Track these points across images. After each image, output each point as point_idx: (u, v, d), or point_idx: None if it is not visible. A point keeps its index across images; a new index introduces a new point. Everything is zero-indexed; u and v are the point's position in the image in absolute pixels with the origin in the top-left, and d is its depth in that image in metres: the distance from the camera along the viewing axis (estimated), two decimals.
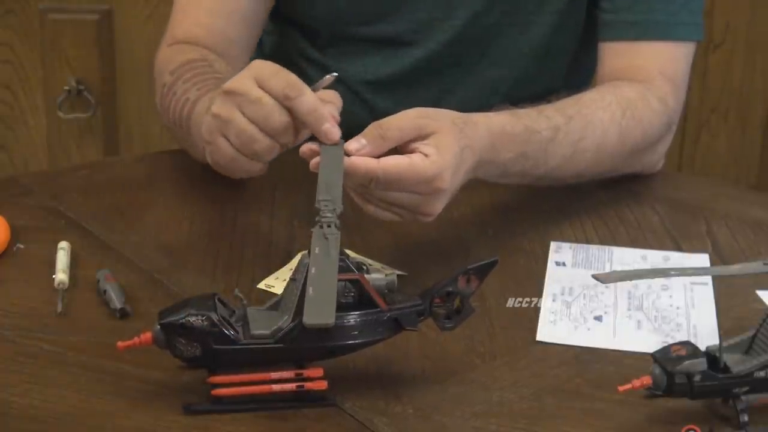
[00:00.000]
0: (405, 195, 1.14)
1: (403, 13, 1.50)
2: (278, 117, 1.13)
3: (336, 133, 1.13)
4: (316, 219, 1.05)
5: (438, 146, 1.14)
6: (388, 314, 1.02)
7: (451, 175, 1.15)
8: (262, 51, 1.64)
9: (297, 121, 1.14)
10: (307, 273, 0.99)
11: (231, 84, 1.15)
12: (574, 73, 1.57)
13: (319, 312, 0.94)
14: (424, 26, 1.50)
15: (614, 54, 1.46)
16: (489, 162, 1.23)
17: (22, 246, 1.27)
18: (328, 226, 1.04)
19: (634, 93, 1.40)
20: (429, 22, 1.50)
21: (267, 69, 1.15)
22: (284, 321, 1.00)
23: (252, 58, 1.55)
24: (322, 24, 1.55)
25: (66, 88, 2.61)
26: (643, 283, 1.22)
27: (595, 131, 1.34)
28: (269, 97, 1.13)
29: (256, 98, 1.13)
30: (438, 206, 1.17)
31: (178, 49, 1.43)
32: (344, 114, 1.56)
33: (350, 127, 1.52)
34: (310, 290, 0.95)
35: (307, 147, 1.14)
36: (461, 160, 1.17)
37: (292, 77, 1.14)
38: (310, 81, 1.56)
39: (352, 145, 1.13)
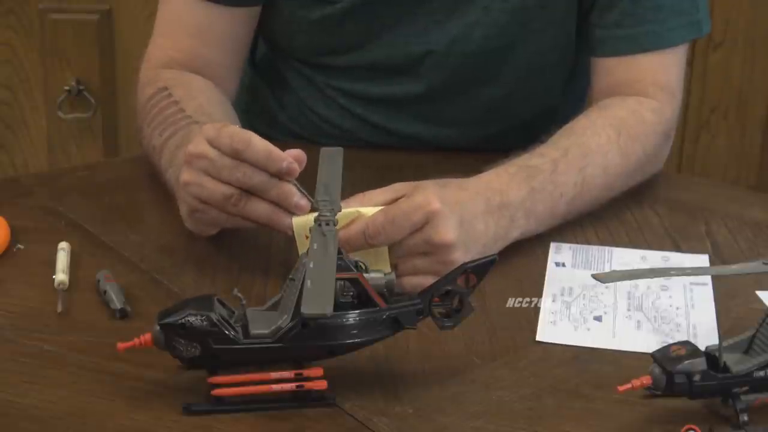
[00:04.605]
0: (408, 239, 1.15)
1: (389, 43, 1.48)
2: (230, 173, 1.16)
3: (296, 167, 1.14)
4: (315, 218, 1.06)
5: (416, 187, 1.18)
6: (387, 313, 1.02)
7: (438, 198, 1.16)
8: (252, 60, 1.63)
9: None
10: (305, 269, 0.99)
11: (190, 148, 1.19)
12: (572, 88, 1.56)
13: (317, 302, 0.94)
14: (416, 57, 1.48)
15: (607, 70, 1.46)
16: (502, 206, 1.24)
17: (22, 246, 1.27)
18: (327, 224, 1.04)
19: (625, 111, 1.40)
20: (420, 54, 1.48)
21: (211, 130, 1.18)
22: (284, 320, 1.00)
23: (243, 67, 1.57)
24: (304, 53, 1.54)
25: (66, 88, 2.61)
26: (642, 284, 1.22)
27: (596, 157, 1.34)
28: (222, 156, 1.16)
29: (213, 158, 1.16)
30: (447, 231, 1.16)
31: (153, 76, 1.46)
32: (337, 127, 1.57)
33: (345, 140, 1.52)
34: (308, 283, 0.96)
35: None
36: (451, 195, 1.19)
37: (236, 131, 1.16)
38: (297, 93, 1.58)
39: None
